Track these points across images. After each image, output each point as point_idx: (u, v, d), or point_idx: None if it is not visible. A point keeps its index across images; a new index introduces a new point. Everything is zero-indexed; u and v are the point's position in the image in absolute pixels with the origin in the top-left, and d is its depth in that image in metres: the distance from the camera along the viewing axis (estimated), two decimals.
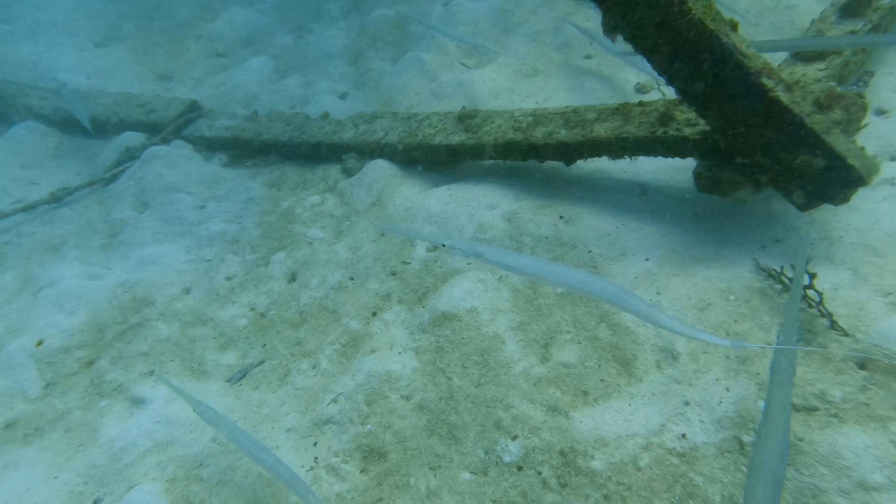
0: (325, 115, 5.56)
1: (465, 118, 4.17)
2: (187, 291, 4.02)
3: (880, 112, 3.47)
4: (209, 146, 6.14)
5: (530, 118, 3.81)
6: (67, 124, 6.69)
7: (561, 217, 3.48)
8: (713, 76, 2.56)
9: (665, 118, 3.11)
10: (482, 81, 5.19)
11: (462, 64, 5.78)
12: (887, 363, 2.20)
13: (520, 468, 2.32)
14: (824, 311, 2.40)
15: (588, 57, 5.04)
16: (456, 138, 4.06)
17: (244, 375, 3.21)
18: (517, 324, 2.96)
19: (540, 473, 2.29)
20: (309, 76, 6.93)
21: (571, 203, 3.56)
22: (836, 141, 2.49)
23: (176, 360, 3.39)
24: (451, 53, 5.90)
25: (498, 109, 4.16)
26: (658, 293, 2.82)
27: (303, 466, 2.58)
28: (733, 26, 2.53)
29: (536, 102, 4.71)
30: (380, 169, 4.43)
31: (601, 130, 3.33)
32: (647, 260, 3.03)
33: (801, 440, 2.08)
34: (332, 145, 4.96)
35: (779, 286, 2.61)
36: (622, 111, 3.39)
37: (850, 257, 2.66)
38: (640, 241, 3.16)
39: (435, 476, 2.39)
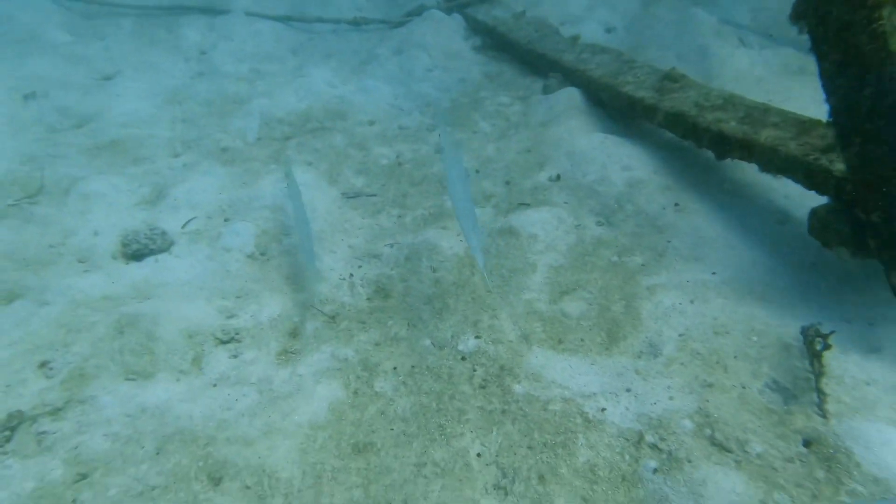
0: (575, 38, 5.49)
1: (668, 79, 3.88)
2: (371, 123, 4.71)
3: None
4: (475, 27, 6.58)
5: (720, 101, 3.43)
6: None
7: (676, 204, 3.22)
8: (871, 107, 2.07)
9: (832, 147, 2.59)
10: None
11: None
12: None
13: (463, 359, 2.51)
14: (820, 388, 2.02)
15: None
16: (642, 93, 3.84)
17: (356, 196, 3.81)
18: (558, 265, 2.98)
19: (474, 370, 2.46)
20: (596, 3, 6.81)
21: (698, 197, 3.24)
22: None
23: (329, 159, 4.13)
24: None
25: (706, 84, 3.78)
26: (691, 301, 2.58)
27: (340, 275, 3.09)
28: None
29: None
30: (568, 97, 4.42)
31: (764, 135, 2.90)
32: (713, 274, 2.73)
33: (689, 461, 1.92)
34: (552, 61, 5.01)
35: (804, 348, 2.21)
36: (803, 126, 2.88)
37: None
38: (727, 257, 2.82)
39: (407, 330, 2.71)
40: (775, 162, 2.79)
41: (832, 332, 2.13)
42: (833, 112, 2.27)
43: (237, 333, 2.57)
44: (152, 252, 3.04)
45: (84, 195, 3.43)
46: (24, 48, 5.87)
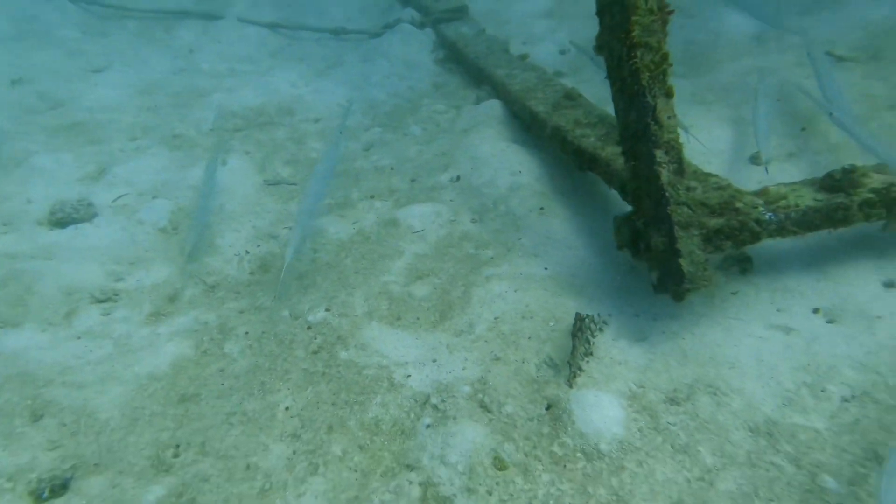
0: (524, 57, 5.70)
1: (566, 97, 4.08)
2: (316, 121, 5.00)
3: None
4: (442, 42, 6.84)
5: (596, 119, 3.63)
6: None
7: (542, 208, 3.43)
8: (634, 129, 2.29)
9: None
10: None
11: None
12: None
13: (309, 328, 2.76)
14: (576, 363, 2.24)
15: None
16: (540, 108, 4.05)
17: (277, 184, 4.10)
18: (423, 254, 3.21)
19: (314, 338, 2.68)
20: (564, 23, 6.99)
21: (563, 203, 3.45)
22: (685, 239, 2.11)
23: (266, 150, 4.43)
24: None
25: (597, 105, 3.97)
26: (515, 290, 2.78)
27: None
28: (669, 93, 2.20)
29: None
30: (490, 108, 4.65)
31: (607, 151, 3.11)
32: (545, 269, 2.94)
33: (454, 418, 2.15)
34: (487, 75, 5.24)
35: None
36: None
37: (663, 347, 2.32)
38: (563, 255, 3.03)
39: (272, 301, 2.98)
40: (607, 175, 3.00)
41: (602, 321, 2.35)
42: (618, 125, 2.49)
43: (115, 294, 2.87)
44: (74, 221, 3.37)
45: (32, 168, 3.79)
46: (36, 42, 6.34)
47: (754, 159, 3.60)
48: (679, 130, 2.32)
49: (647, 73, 2.20)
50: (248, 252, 3.34)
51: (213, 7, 7.54)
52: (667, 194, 2.22)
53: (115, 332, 2.68)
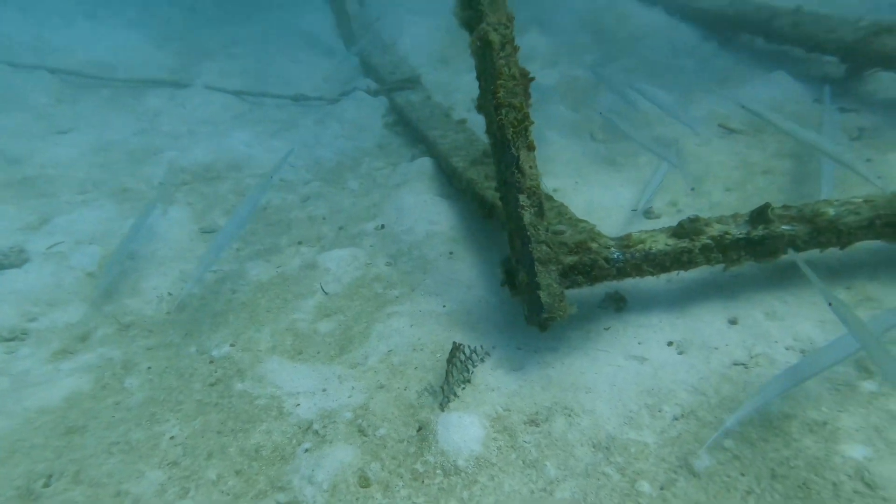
0: (462, 122, 6.05)
1: (485, 154, 4.37)
2: (262, 176, 5.22)
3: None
4: (393, 107, 7.24)
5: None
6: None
7: (451, 252, 3.60)
8: (502, 178, 2.52)
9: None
10: None
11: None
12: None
13: (211, 362, 2.83)
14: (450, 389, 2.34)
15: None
16: (461, 164, 4.31)
17: (211, 232, 4.24)
18: (334, 293, 3.34)
19: (215, 371, 2.75)
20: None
21: (472, 248, 3.64)
22: (544, 273, 2.28)
23: (208, 201, 4.59)
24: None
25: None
26: (411, 325, 2.90)
27: None
28: (530, 146, 2.45)
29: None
30: (421, 164, 4.93)
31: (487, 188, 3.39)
32: (443, 306, 3.07)
33: (331, 442, 2.21)
34: (423, 136, 5.56)
35: None
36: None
37: (533, 375, 2.44)
38: (462, 295, 3.16)
39: (182, 338, 3.06)
40: (500, 221, 3.21)
41: (485, 353, 2.49)
42: (496, 181, 2.72)
43: (24, 333, 2.92)
44: (2, 266, 3.44)
45: None
46: (6, 106, 6.57)
47: (647, 213, 3.88)
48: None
49: (512, 129, 2.44)
50: (170, 294, 3.43)
51: (183, 76, 7.93)
52: (528, 233, 2.41)
53: (15, 368, 2.72)
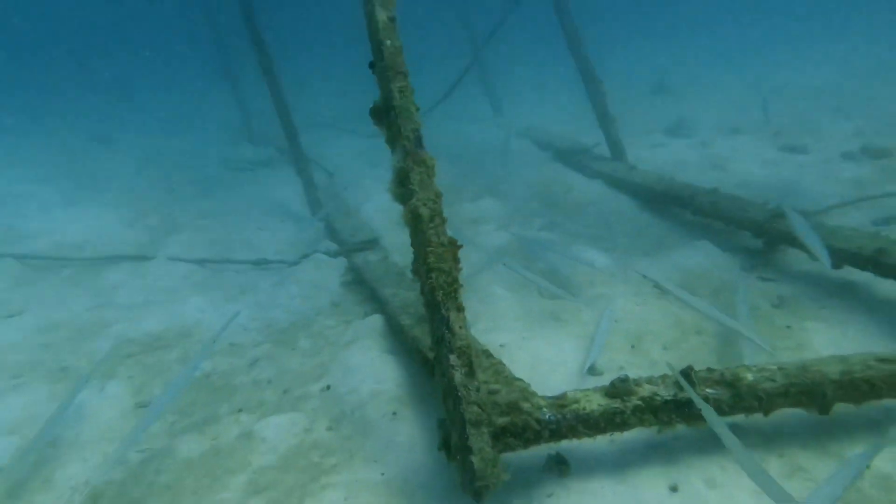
0: (415, 280, 6.28)
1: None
2: (213, 340, 5.13)
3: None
4: (351, 268, 7.49)
5: None
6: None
7: (394, 413, 3.49)
8: (436, 335, 2.58)
9: None
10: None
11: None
12: None
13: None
14: None
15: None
16: (406, 321, 4.39)
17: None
18: (268, 465, 3.12)
19: None
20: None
21: (418, 407, 3.54)
22: (476, 436, 2.22)
23: (150, 373, 4.42)
24: None
25: None
26: (345, 498, 2.69)
27: None
28: (459, 308, 2.57)
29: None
30: (372, 323, 4.99)
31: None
32: (382, 474, 2.89)
33: None
34: (377, 294, 5.71)
35: None
36: None
37: None
38: (404, 460, 2.99)
39: None
40: (437, 380, 3.20)
41: None
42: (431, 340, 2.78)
43: None
44: None
45: None
46: None
47: (591, 370, 3.92)
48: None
49: (441, 291, 2.57)
50: (87, 483, 3.13)
51: (150, 250, 8.07)
52: (459, 394, 2.40)
53: None
